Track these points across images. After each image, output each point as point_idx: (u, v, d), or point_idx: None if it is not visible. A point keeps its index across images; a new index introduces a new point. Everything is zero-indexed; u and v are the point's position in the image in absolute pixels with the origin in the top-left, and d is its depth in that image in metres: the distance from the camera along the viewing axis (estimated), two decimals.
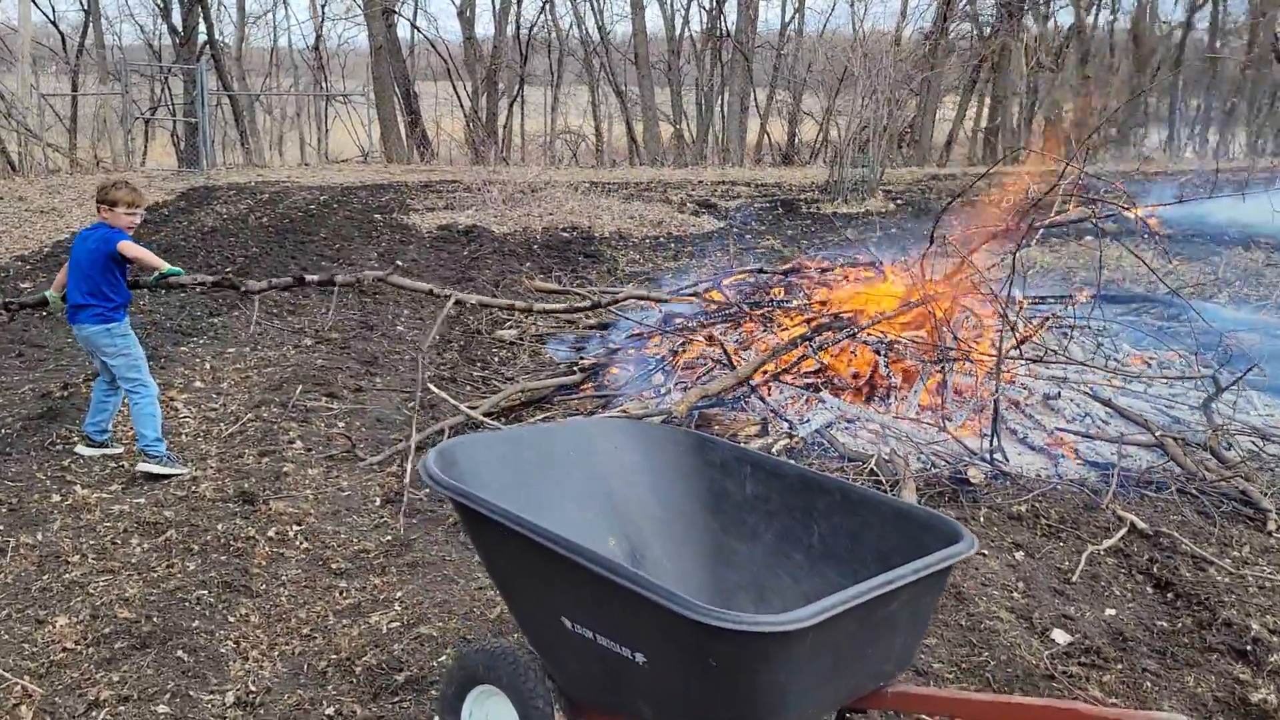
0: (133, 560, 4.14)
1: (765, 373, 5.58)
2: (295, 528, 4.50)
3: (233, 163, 23.68)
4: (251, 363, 6.99)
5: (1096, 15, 29.82)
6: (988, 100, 28.65)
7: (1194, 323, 7.19)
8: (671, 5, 30.15)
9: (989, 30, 27.83)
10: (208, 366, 6.85)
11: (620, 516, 3.06)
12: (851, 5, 41.34)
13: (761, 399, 5.45)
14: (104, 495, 4.80)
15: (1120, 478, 4.72)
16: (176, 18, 26.39)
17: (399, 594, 3.94)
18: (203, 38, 26.22)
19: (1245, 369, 5.59)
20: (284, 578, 4.07)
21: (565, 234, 12.74)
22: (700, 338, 5.98)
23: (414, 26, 29.66)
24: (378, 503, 4.85)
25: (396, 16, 26.32)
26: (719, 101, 28.90)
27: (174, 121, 26.86)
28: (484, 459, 2.85)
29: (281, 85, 32.41)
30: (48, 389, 6.29)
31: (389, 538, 4.43)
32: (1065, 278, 9.46)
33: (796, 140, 28.07)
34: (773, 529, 2.94)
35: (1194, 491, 4.62)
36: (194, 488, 4.89)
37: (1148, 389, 6.08)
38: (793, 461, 3.08)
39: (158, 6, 27.58)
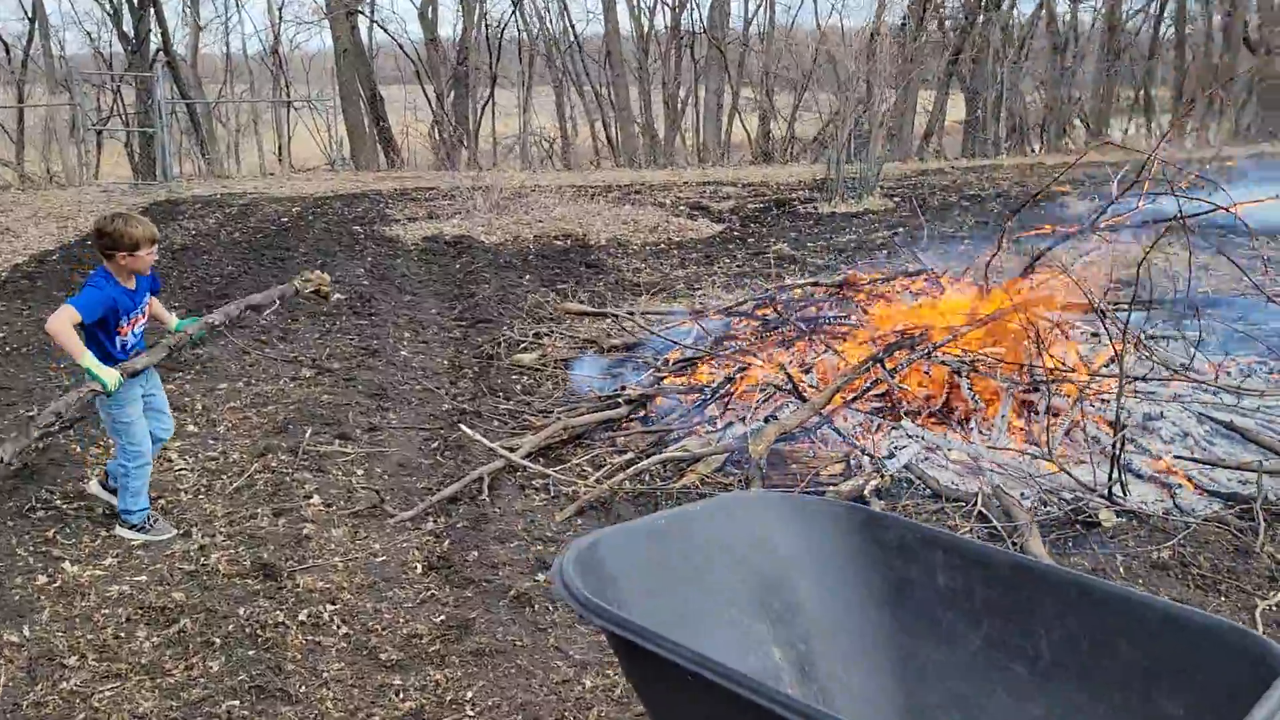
0: (142, 661, 3.48)
1: (840, 400, 5.00)
2: (329, 607, 3.86)
3: (192, 174, 22.72)
4: (248, 400, 6.30)
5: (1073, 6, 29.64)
6: (955, 94, 28.33)
7: (1264, 325, 6.71)
8: (639, 2, 29.47)
9: (953, 24, 27.52)
10: (199, 407, 6.16)
11: (781, 619, 2.46)
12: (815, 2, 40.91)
13: (838, 431, 4.87)
14: (98, 572, 4.13)
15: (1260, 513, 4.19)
16: (127, 24, 25.40)
17: (469, 694, 3.31)
18: (155, 45, 25.25)
19: None
20: (326, 675, 3.43)
21: (559, 243, 12.09)
22: (759, 360, 5.39)
23: (381, 27, 28.82)
24: (419, 569, 4.21)
25: (361, 17, 25.48)
26: (691, 100, 28.36)
27: (127, 132, 25.81)
28: (626, 562, 2.24)
29: (236, 92, 31.37)
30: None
31: (441, 617, 3.79)
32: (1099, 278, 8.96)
33: (772, 137, 27.57)
34: (979, 632, 2.36)
35: None
36: (203, 559, 4.22)
37: (1240, 403, 5.58)
38: (1000, 548, 2.50)
39: (107, 14, 26.56)
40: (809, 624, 2.47)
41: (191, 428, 5.81)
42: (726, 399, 5.31)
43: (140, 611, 3.79)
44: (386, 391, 6.52)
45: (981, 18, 26.32)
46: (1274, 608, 3.61)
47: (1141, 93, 30.93)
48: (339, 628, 3.73)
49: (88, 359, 4.02)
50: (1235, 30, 27.97)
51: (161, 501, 4.76)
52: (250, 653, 3.53)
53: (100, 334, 4.18)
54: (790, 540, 2.54)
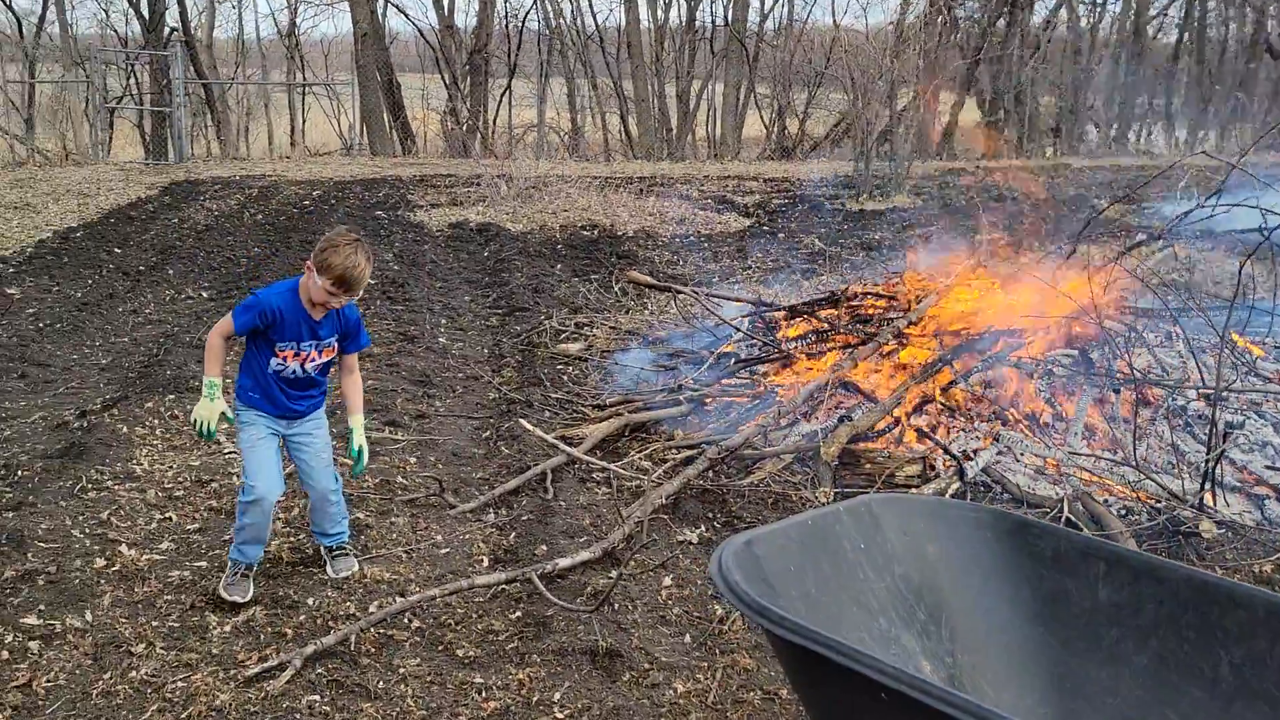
0: (213, 651, 3.34)
1: (912, 401, 4.86)
2: (398, 599, 3.71)
3: (206, 154, 22.55)
4: None
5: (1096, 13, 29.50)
6: (974, 94, 28.15)
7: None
8: None
9: (971, 25, 27.34)
10: None
11: (926, 631, 2.32)
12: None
13: (921, 430, 4.72)
14: (155, 557, 3.98)
15: None
16: (143, 3, 25.16)
17: (556, 695, 3.16)
18: (170, 24, 25.03)
19: None
20: (402, 670, 3.28)
21: (587, 233, 11.94)
22: (819, 357, 5.24)
23: (400, 10, 28.54)
24: (486, 563, 4.07)
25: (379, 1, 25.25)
26: (709, 94, 28.19)
27: (140, 112, 25.61)
28: (779, 565, 2.10)
29: (247, 75, 31.15)
30: (62, 418, 5.42)
31: (517, 614, 3.64)
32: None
33: (789, 133, 27.40)
34: (1147, 651, 2.21)
35: None
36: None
37: None
38: (1177, 562, 2.35)
39: None
40: (956, 637, 2.32)
41: None
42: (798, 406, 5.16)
43: (205, 600, 3.65)
44: (430, 378, 6.38)
45: (1003, 21, 26.16)
46: None
47: (1162, 99, 30.90)
48: (410, 621, 3.58)
49: (209, 383, 3.52)
50: (1260, 37, 27.80)
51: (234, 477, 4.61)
52: (324, 643, 3.38)
53: (253, 349, 3.65)
54: (935, 547, 2.40)
